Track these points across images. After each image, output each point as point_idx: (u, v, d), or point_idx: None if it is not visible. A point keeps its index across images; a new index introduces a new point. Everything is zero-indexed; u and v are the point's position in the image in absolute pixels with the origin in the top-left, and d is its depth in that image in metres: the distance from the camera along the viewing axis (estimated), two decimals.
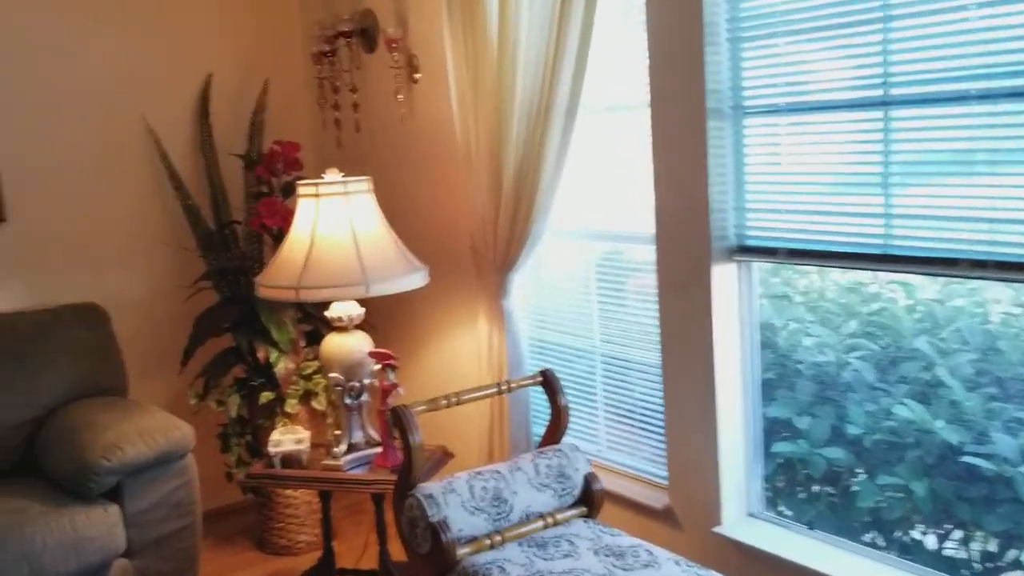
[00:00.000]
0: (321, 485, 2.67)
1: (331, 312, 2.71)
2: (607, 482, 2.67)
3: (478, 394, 2.34)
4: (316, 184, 2.61)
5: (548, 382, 2.43)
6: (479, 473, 2.23)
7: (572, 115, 2.52)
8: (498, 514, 2.17)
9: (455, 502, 2.13)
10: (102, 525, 2.55)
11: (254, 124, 3.54)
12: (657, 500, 2.59)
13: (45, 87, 3.23)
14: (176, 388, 3.44)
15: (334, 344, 2.70)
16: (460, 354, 3.21)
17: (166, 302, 3.47)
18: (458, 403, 2.27)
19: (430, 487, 2.15)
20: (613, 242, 2.72)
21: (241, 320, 3.24)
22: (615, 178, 2.67)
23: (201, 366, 3.33)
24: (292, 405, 3.18)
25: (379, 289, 2.55)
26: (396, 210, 3.42)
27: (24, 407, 2.93)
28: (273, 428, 3.11)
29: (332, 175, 2.67)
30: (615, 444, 2.81)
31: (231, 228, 3.41)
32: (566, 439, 2.43)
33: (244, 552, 3.36)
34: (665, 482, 2.58)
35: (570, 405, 2.73)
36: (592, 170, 2.73)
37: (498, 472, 2.24)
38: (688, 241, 2.35)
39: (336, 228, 2.59)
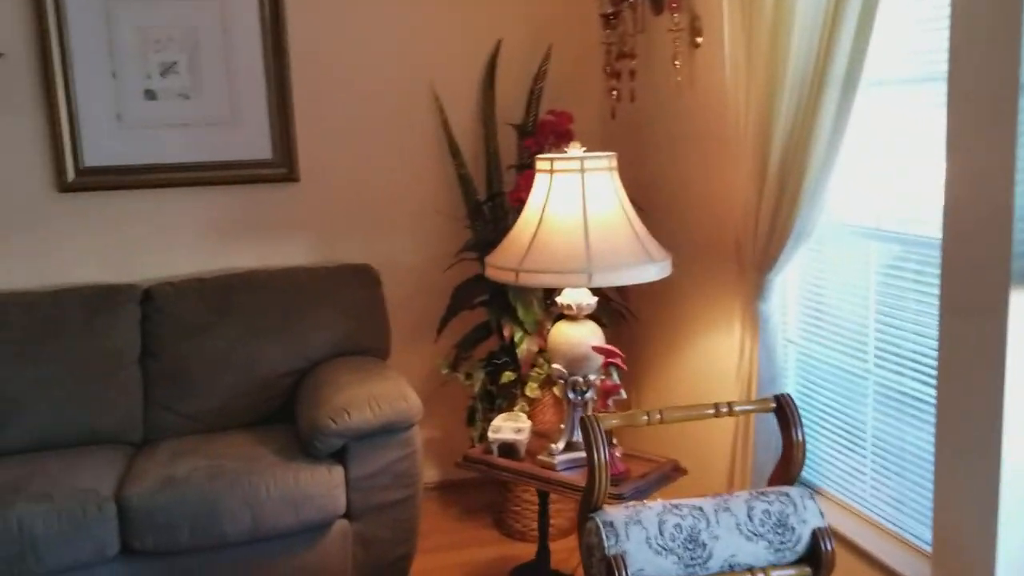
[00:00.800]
0: (528, 481, 2.50)
1: (562, 298, 2.50)
2: (860, 536, 2.20)
3: (690, 414, 2.00)
4: (551, 159, 2.40)
5: (783, 410, 2.03)
6: (676, 506, 1.90)
7: (851, 87, 2.05)
8: (692, 559, 1.84)
9: (639, 536, 1.84)
10: (324, 485, 2.60)
11: (533, 93, 3.41)
12: (913, 570, 2.07)
13: (341, 55, 3.35)
14: (431, 356, 3.45)
15: (560, 333, 2.49)
16: (714, 361, 2.84)
17: (432, 270, 3.49)
18: (661, 421, 1.96)
19: (613, 514, 1.88)
20: (900, 245, 2.19)
21: (493, 295, 3.15)
22: (904, 168, 2.14)
23: (459, 337, 3.31)
24: (533, 389, 3.03)
25: (603, 279, 2.29)
26: (661, 191, 3.11)
27: (292, 358, 3.10)
28: (512, 409, 3.00)
29: (574, 149, 2.44)
30: (880, 490, 2.30)
31: (499, 199, 3.32)
32: (807, 473, 2.01)
33: (481, 529, 3.30)
34: (928, 548, 2.05)
35: (834, 433, 2.28)
36: (875, 157, 2.22)
37: (700, 509, 1.90)
38: (983, 255, 1.79)
39: (567, 208, 2.36)
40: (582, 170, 2.36)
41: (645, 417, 1.95)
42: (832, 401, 2.42)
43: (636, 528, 1.84)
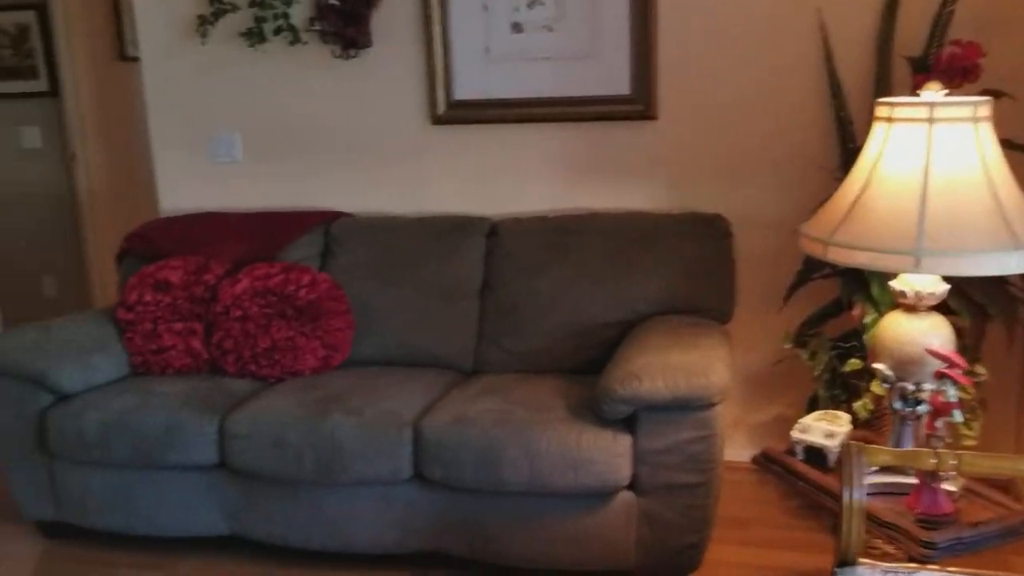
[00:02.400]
0: (821, 499, 2.05)
1: (896, 282, 1.97)
2: None
3: (1000, 467, 1.44)
4: (892, 104, 1.86)
5: None
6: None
7: None
8: None
9: None
10: (606, 451, 2.41)
11: (939, 19, 2.72)
12: None
13: None
14: (776, 326, 3.02)
15: (889, 326, 1.98)
16: None
17: (789, 227, 3.02)
18: (957, 471, 1.43)
19: (865, 573, 1.44)
20: None
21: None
22: None
23: (808, 309, 2.85)
24: (878, 385, 2.49)
25: (936, 265, 1.74)
26: None
27: (618, 308, 2.93)
28: (853, 402, 2.52)
29: (929, 92, 1.87)
30: None
31: None
32: None
33: (813, 532, 2.86)
34: None
35: None
36: None
37: None
38: None
39: (903, 168, 1.82)
40: (930, 120, 1.80)
41: (934, 461, 1.45)
42: None
43: None
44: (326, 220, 3.31)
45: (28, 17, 4.78)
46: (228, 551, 2.79)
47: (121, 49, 4.95)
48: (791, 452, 2.20)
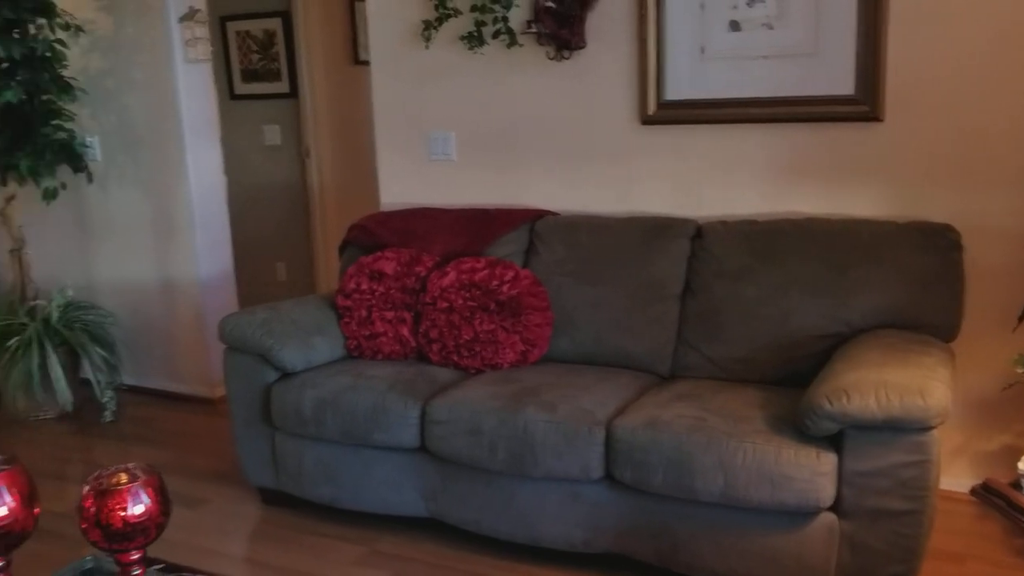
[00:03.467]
0: None
1: None
2: None
3: None
4: None
5: None
6: None
7: None
8: None
9: None
10: (807, 469, 2.29)
11: None
12: None
13: None
14: (1006, 347, 2.74)
15: None
16: None
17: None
18: None
19: None
20: None
21: None
22: None
23: None
24: None
25: None
26: None
27: (830, 320, 2.79)
28: None
29: None
30: None
31: None
32: None
33: None
34: None
35: None
36: None
37: None
38: None
39: None
40: None
41: None
42: None
43: None
44: (532, 218, 3.37)
45: (274, 24, 5.21)
46: (425, 531, 2.91)
47: (355, 54, 5.29)
48: (1017, 485, 1.99)
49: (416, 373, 2.97)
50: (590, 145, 3.40)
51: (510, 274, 3.08)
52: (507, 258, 3.25)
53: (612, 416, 2.60)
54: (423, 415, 2.77)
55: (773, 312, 2.85)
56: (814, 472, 2.29)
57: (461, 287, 3.07)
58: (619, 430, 2.52)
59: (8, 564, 1.31)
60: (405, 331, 3.12)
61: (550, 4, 3.28)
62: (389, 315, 3.14)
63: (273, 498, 3.17)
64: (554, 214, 3.41)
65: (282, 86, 5.29)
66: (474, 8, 3.41)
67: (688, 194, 3.26)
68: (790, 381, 2.77)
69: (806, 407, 2.32)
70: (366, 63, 3.89)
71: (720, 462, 2.36)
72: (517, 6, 3.38)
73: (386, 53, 3.73)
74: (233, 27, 5.30)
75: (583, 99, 3.38)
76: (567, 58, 3.37)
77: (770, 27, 3.06)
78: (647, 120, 3.29)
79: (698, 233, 3.10)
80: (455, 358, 3.04)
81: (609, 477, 2.56)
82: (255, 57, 5.32)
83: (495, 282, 3.05)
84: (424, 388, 2.86)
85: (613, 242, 3.17)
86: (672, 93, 3.25)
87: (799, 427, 2.36)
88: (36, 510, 1.31)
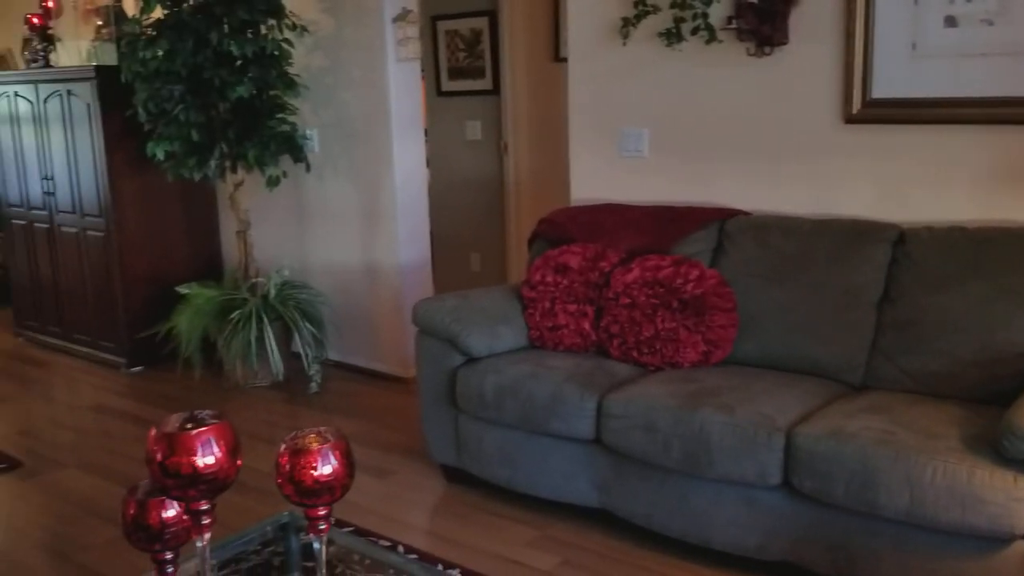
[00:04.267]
0: None
1: None
2: None
3: None
4: None
5: None
6: None
7: None
8: None
9: None
10: (1003, 493, 2.14)
11: None
12: None
13: None
14: None
15: None
16: None
17: None
18: None
19: None
20: None
21: None
22: None
23: None
24: None
25: None
26: None
27: None
28: None
29: None
30: None
31: None
32: None
33: None
34: None
35: None
36: None
37: None
38: None
39: None
40: None
41: None
42: None
43: None
44: (722, 217, 3.32)
45: (481, 23, 5.40)
46: (596, 521, 2.96)
47: (556, 51, 5.40)
48: None
49: (595, 366, 3.02)
50: (787, 144, 3.31)
51: (695, 273, 3.06)
52: (694, 257, 3.23)
53: (794, 423, 2.54)
54: (599, 408, 2.81)
55: (979, 325, 2.67)
56: (1010, 497, 2.14)
57: (644, 284, 3.08)
58: (800, 438, 2.45)
59: (212, 507, 1.47)
60: (586, 325, 3.18)
61: (753, 0, 3.22)
62: (572, 308, 3.20)
63: (454, 475, 3.32)
64: (745, 214, 3.34)
65: (485, 83, 5.48)
66: (674, 4, 3.40)
67: (891, 197, 3.11)
68: (991, 399, 2.59)
69: (1005, 427, 2.17)
70: (566, 60, 3.97)
71: (907, 478, 2.25)
72: (717, 1, 3.34)
73: (584, 50, 3.79)
74: (443, 26, 5.55)
75: (782, 96, 3.29)
76: (768, 54, 3.29)
77: (990, 23, 2.86)
78: (851, 119, 3.16)
79: (901, 238, 2.95)
80: (635, 354, 3.05)
81: (787, 484, 2.50)
82: (462, 55, 5.54)
83: (679, 280, 3.04)
84: (602, 381, 2.90)
85: (807, 244, 3.07)
86: (879, 91, 3.10)
87: (996, 448, 2.21)
88: (239, 462, 1.46)
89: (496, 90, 5.46)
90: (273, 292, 4.46)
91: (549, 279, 3.26)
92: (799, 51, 3.22)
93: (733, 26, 3.32)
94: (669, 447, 2.64)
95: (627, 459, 2.79)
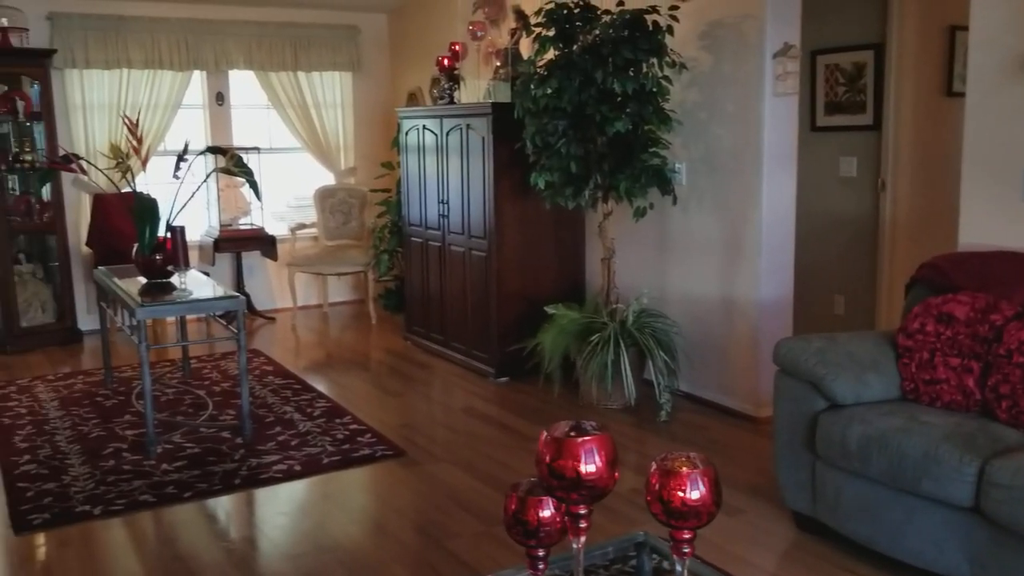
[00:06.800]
0: None
1: None
2: None
3: None
4: None
5: None
6: None
7: None
8: None
9: None
10: None
11: None
12: None
13: None
14: None
15: None
16: None
17: None
18: None
19: None
20: None
21: None
22: None
23: None
24: None
25: None
26: None
27: None
28: None
29: None
30: None
31: None
32: None
33: None
34: None
35: None
36: None
37: None
38: None
39: None
40: None
41: None
42: None
43: None
44: None
45: (866, 56, 5.17)
46: None
47: (948, 85, 5.02)
48: None
49: (977, 428, 2.75)
50: None
51: None
52: None
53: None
54: (981, 474, 2.56)
55: None
56: None
57: None
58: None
59: (590, 512, 1.58)
60: (971, 381, 2.91)
61: None
62: (954, 362, 2.95)
63: (806, 524, 3.20)
64: None
65: (865, 118, 5.23)
66: None
67: None
68: None
69: None
70: (960, 95, 3.68)
71: None
72: None
73: (985, 84, 3.48)
74: (823, 60, 5.39)
75: None
76: None
77: None
78: None
79: None
80: None
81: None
82: (841, 89, 5.34)
83: None
84: (985, 445, 2.64)
85: None
86: None
87: None
88: (616, 474, 1.56)
89: (877, 125, 5.19)
90: (631, 319, 4.62)
91: (930, 328, 3.04)
92: None
93: None
94: None
95: (1011, 534, 2.51)
